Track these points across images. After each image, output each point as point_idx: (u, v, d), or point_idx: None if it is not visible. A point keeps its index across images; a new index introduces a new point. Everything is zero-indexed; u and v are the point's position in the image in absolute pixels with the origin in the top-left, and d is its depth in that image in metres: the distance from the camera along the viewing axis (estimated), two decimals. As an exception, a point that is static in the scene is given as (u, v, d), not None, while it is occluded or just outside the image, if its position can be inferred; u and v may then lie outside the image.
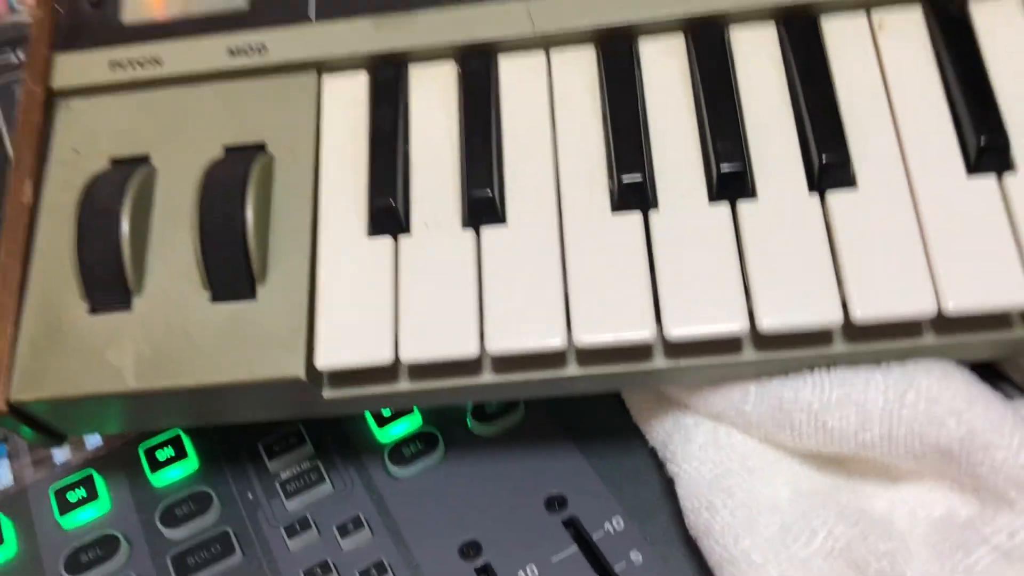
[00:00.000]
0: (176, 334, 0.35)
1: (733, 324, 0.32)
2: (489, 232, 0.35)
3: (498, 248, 0.35)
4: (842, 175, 0.34)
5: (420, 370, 0.35)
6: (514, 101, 0.37)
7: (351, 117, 0.38)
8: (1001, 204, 0.33)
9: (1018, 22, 0.36)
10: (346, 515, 0.39)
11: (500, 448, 0.41)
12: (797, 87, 0.36)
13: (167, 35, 0.39)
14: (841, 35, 0.37)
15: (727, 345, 0.34)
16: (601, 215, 0.35)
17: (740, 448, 0.35)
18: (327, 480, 0.40)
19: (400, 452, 0.40)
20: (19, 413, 0.36)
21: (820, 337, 0.34)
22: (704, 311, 0.33)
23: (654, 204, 0.35)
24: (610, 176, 0.35)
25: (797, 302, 0.32)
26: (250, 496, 0.40)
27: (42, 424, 0.37)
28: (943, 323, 0.33)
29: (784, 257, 0.33)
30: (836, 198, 0.34)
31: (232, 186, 0.35)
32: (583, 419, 0.41)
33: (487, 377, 0.35)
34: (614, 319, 0.33)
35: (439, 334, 0.34)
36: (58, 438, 0.38)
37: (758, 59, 0.37)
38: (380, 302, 0.34)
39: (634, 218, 0.34)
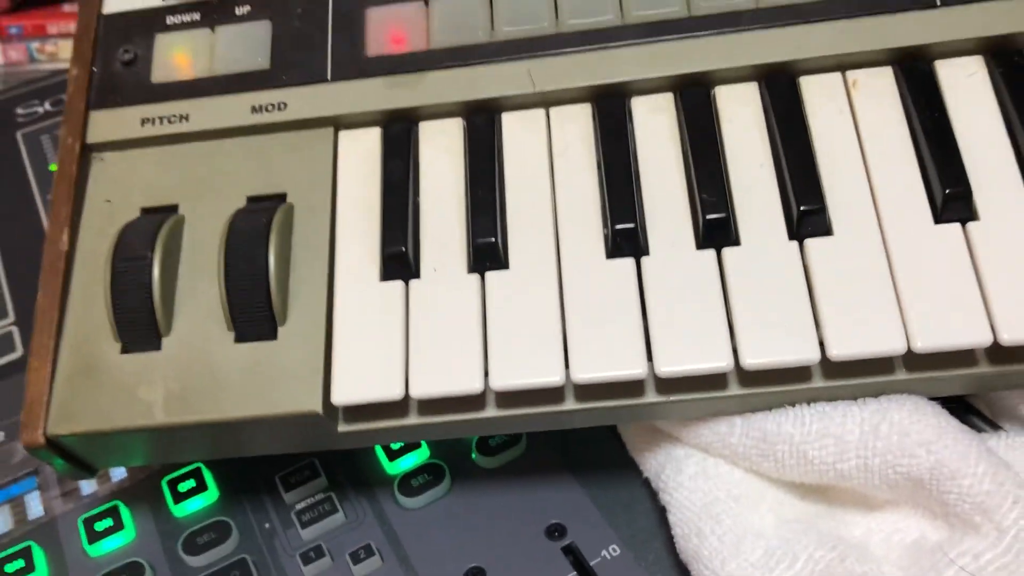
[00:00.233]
0: (202, 372, 0.37)
1: (719, 362, 0.35)
2: (493, 277, 0.38)
3: (501, 291, 0.37)
4: (819, 224, 0.37)
5: (428, 405, 0.37)
6: (516, 154, 0.40)
7: (365, 169, 0.41)
8: (965, 250, 0.36)
9: (979, 79, 0.39)
10: (358, 543, 0.41)
11: (503, 479, 0.43)
12: (777, 141, 0.38)
13: (194, 93, 0.42)
14: (818, 93, 0.39)
15: (714, 381, 0.36)
16: (596, 261, 0.37)
17: (727, 478, 0.38)
18: (340, 510, 0.42)
19: (409, 483, 0.42)
20: (55, 446, 0.38)
21: (800, 374, 0.36)
22: (692, 350, 0.35)
23: (645, 250, 0.37)
24: (605, 224, 0.38)
25: (778, 341, 0.35)
26: (267, 525, 0.42)
27: (75, 457, 0.39)
28: (913, 360, 0.36)
29: (766, 300, 0.36)
30: (814, 245, 0.36)
31: (255, 234, 0.38)
32: (581, 451, 0.43)
33: (491, 412, 0.37)
34: (609, 357, 0.35)
35: (446, 371, 0.36)
36: (89, 470, 0.40)
37: (741, 115, 0.40)
38: (392, 342, 0.37)
39: (627, 263, 0.37)
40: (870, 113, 0.39)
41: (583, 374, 0.35)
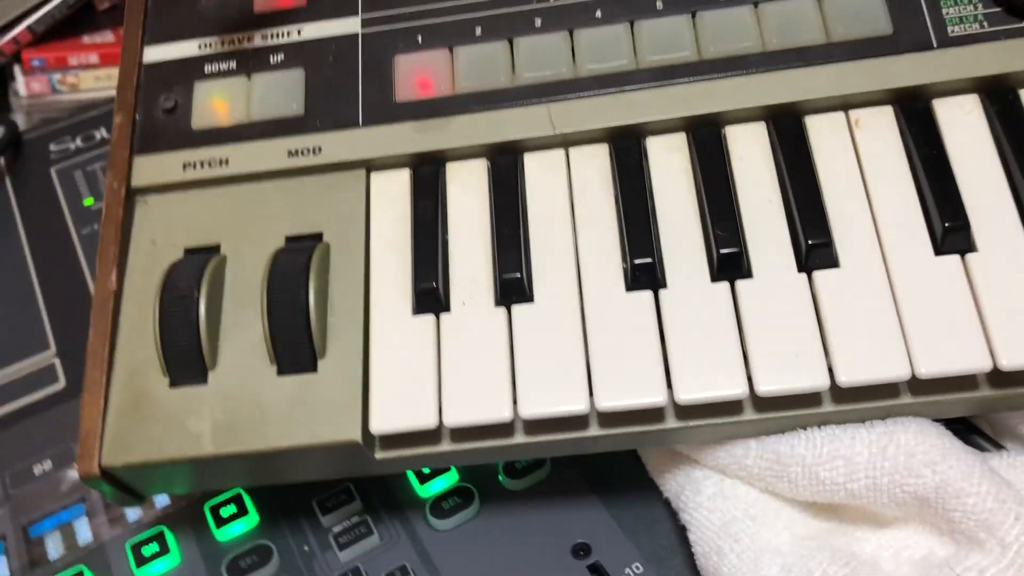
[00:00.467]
0: (248, 404, 0.40)
1: (735, 389, 0.37)
2: (519, 310, 0.40)
3: (527, 324, 0.39)
4: (826, 256, 0.39)
5: (460, 433, 0.40)
6: (538, 193, 0.42)
7: (396, 209, 0.43)
8: (965, 280, 0.38)
9: (975, 116, 0.41)
10: (393, 564, 0.43)
11: (529, 501, 0.45)
12: (785, 178, 0.41)
13: (233, 139, 0.45)
14: (823, 131, 0.42)
15: (730, 407, 0.38)
16: (617, 294, 0.40)
17: (744, 498, 0.40)
18: (375, 533, 0.44)
19: (440, 506, 0.45)
20: (108, 476, 0.40)
21: (811, 399, 0.38)
22: (709, 378, 0.37)
23: (663, 283, 0.39)
24: (624, 259, 0.40)
25: (790, 369, 0.37)
26: (306, 548, 0.45)
27: (124, 485, 0.42)
28: (918, 385, 0.38)
29: (778, 330, 0.38)
30: (821, 277, 0.38)
31: (295, 272, 0.40)
32: (604, 474, 0.45)
33: (519, 438, 0.39)
34: (630, 386, 0.38)
35: (477, 401, 0.38)
36: (138, 498, 0.43)
37: (751, 153, 0.42)
38: (425, 373, 0.39)
39: (646, 296, 0.39)
40: (872, 150, 0.41)
41: (606, 402, 0.38)
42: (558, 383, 0.38)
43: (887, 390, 0.38)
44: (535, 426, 0.39)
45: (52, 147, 0.68)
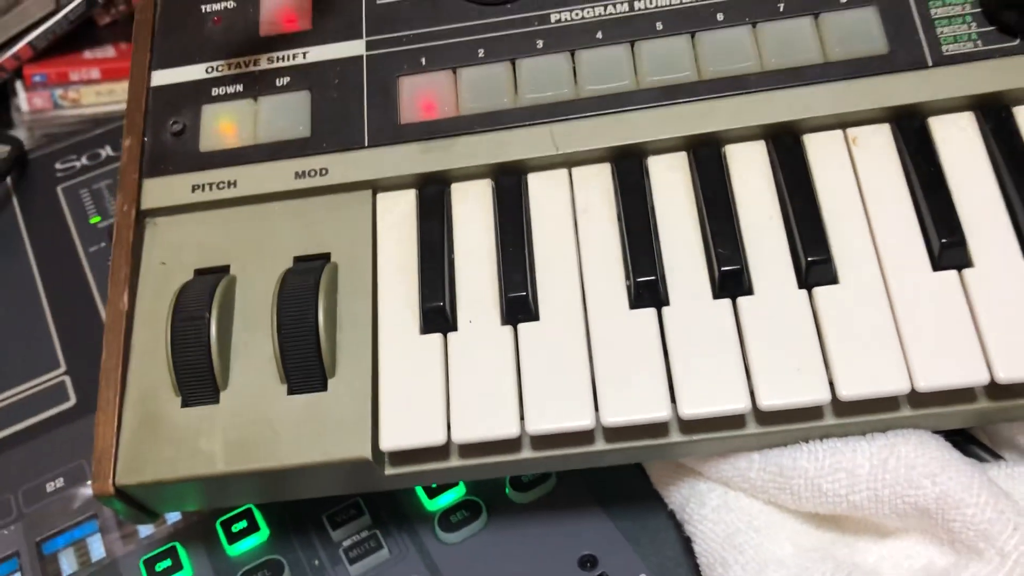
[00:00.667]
0: (259, 423, 0.40)
1: (737, 404, 0.38)
2: (525, 328, 0.40)
3: (533, 342, 0.40)
4: (826, 273, 0.39)
5: (468, 449, 0.40)
6: (542, 212, 0.43)
7: (402, 229, 0.44)
8: (962, 295, 0.38)
9: (970, 134, 0.42)
10: (402, 577, 0.44)
11: (536, 514, 0.46)
12: (785, 196, 0.41)
13: (240, 161, 0.45)
14: (821, 150, 0.42)
15: (733, 421, 0.39)
16: (621, 311, 0.40)
17: (748, 510, 0.40)
18: (384, 547, 0.45)
19: (448, 520, 0.45)
20: (122, 495, 0.41)
21: (812, 412, 0.39)
22: (712, 393, 0.38)
23: (666, 301, 0.40)
24: (627, 277, 0.41)
25: (792, 383, 0.38)
26: (316, 562, 0.45)
27: (138, 503, 0.42)
28: (917, 398, 0.39)
29: (779, 345, 0.38)
30: (821, 293, 0.39)
31: (304, 293, 0.41)
32: (609, 486, 0.46)
33: (526, 453, 0.40)
34: (635, 402, 0.38)
35: (485, 418, 0.39)
36: (151, 515, 0.43)
37: (751, 172, 0.43)
38: (433, 391, 0.40)
39: (649, 313, 0.40)
40: (870, 167, 0.42)
41: (612, 418, 0.38)
42: (564, 399, 0.39)
43: (887, 403, 0.39)
44: (542, 441, 0.40)
45: (58, 166, 0.69)
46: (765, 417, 0.39)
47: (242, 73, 0.47)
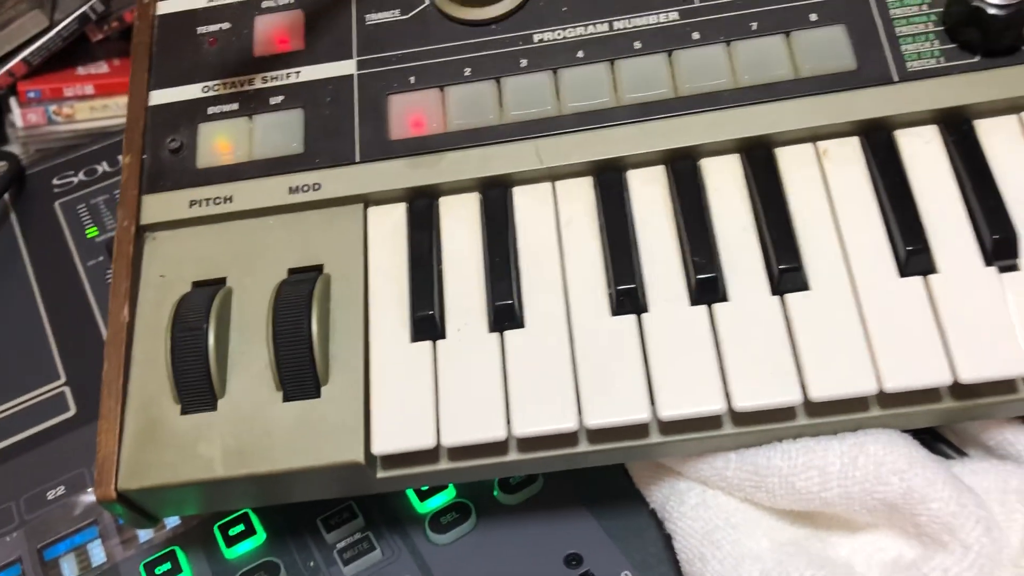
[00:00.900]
0: (255, 429, 0.42)
1: (713, 405, 0.39)
2: (511, 335, 0.42)
3: (519, 348, 0.42)
4: (797, 280, 0.41)
5: (457, 452, 0.42)
6: (527, 224, 0.45)
7: (393, 241, 0.45)
8: (927, 300, 0.40)
9: (934, 146, 0.44)
10: (395, 577, 0.45)
11: (524, 515, 0.47)
12: (758, 207, 0.43)
13: (236, 177, 0.47)
14: (792, 162, 0.44)
15: (710, 422, 0.41)
16: (602, 318, 0.42)
17: (725, 507, 0.42)
18: (377, 548, 0.47)
19: (438, 521, 0.47)
20: (124, 500, 0.43)
21: (786, 413, 0.41)
22: (690, 395, 0.40)
23: (645, 308, 0.42)
24: (608, 285, 0.43)
25: (765, 385, 0.40)
26: (312, 564, 0.47)
27: (139, 508, 0.44)
28: (885, 398, 0.40)
29: (753, 349, 0.40)
30: (793, 299, 0.41)
31: (298, 303, 0.43)
32: (593, 487, 0.47)
33: (513, 456, 0.42)
34: (616, 404, 0.40)
35: (473, 422, 0.41)
36: (152, 520, 0.45)
37: (725, 185, 0.44)
38: (423, 397, 0.41)
39: (630, 320, 0.42)
40: (839, 179, 0.44)
41: (594, 420, 0.40)
42: (549, 403, 0.40)
43: (857, 404, 0.41)
44: (528, 444, 0.42)
45: (55, 181, 0.70)
46: (740, 418, 0.41)
47: (237, 92, 0.49)
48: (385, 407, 0.42)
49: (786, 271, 0.41)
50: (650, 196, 0.45)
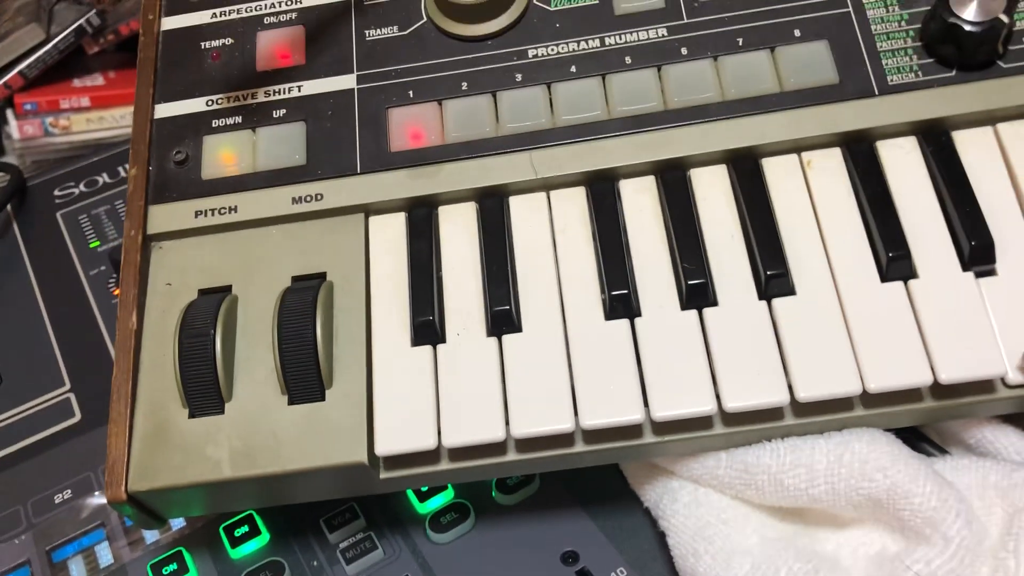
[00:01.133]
0: (262, 431, 0.43)
1: (705, 406, 0.41)
2: (509, 339, 0.44)
3: (517, 352, 0.43)
4: (783, 285, 0.43)
5: (458, 453, 0.43)
6: (523, 232, 0.46)
7: (393, 249, 0.47)
8: (908, 304, 0.42)
9: (914, 156, 0.46)
10: (396, 576, 0.47)
11: (521, 514, 0.49)
12: (745, 215, 0.45)
13: (240, 188, 0.48)
14: (778, 172, 0.46)
15: (701, 423, 0.42)
16: (596, 322, 0.44)
17: (716, 504, 0.44)
18: (379, 547, 0.48)
19: (438, 521, 0.48)
20: (133, 501, 0.44)
21: (774, 413, 0.42)
22: (681, 397, 0.41)
23: (638, 312, 0.44)
24: (602, 291, 0.44)
25: (753, 387, 0.41)
26: (315, 563, 0.48)
27: (147, 509, 0.45)
28: (869, 399, 0.42)
29: (742, 352, 0.42)
30: (780, 304, 0.43)
31: (303, 310, 0.44)
32: (589, 487, 0.49)
33: (511, 456, 0.43)
34: (611, 406, 0.41)
35: (472, 423, 0.42)
36: (160, 521, 0.46)
37: (714, 194, 0.46)
38: (424, 399, 0.43)
39: (623, 324, 0.43)
40: (823, 188, 0.45)
41: (590, 421, 0.41)
42: (546, 405, 0.42)
43: (842, 404, 0.42)
44: (526, 444, 0.43)
45: (57, 192, 0.72)
46: (730, 418, 0.42)
47: (241, 105, 0.50)
48: (388, 409, 0.43)
49: (773, 277, 0.43)
50: (641, 205, 0.46)
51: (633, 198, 0.47)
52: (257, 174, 0.49)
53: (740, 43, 0.48)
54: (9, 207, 0.70)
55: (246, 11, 0.52)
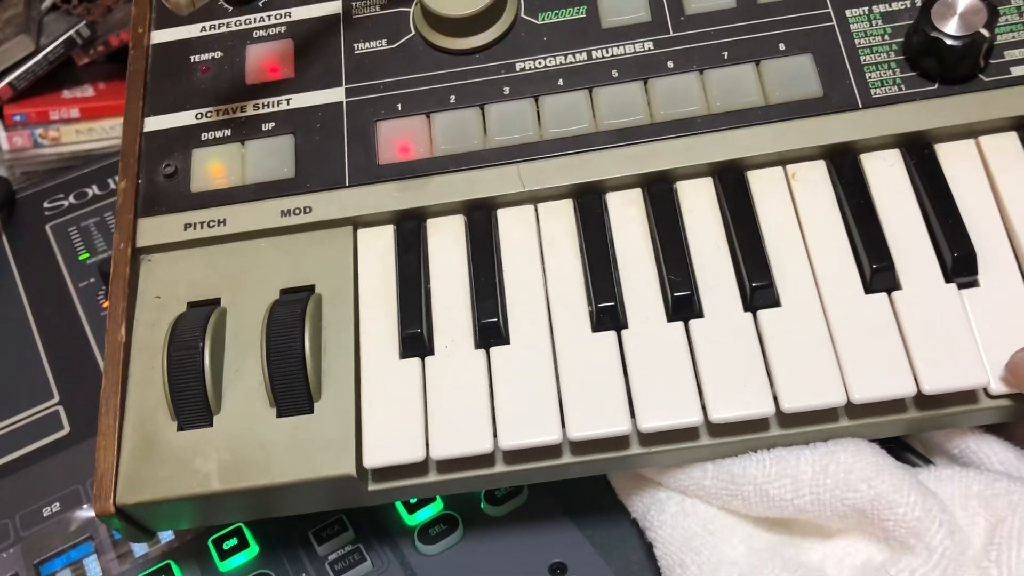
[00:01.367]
0: (250, 444, 0.43)
1: (691, 417, 0.41)
2: (496, 351, 0.44)
3: (504, 364, 0.44)
4: (768, 297, 0.43)
5: (446, 464, 0.44)
6: (511, 245, 0.47)
7: (381, 262, 0.47)
8: (891, 316, 0.42)
9: (897, 169, 0.46)
10: (385, 588, 0.47)
11: (509, 526, 0.49)
12: (731, 227, 0.45)
13: (229, 200, 0.48)
14: (763, 184, 0.46)
15: (687, 434, 0.43)
16: (583, 334, 0.44)
17: (703, 515, 0.44)
18: (367, 559, 0.48)
19: (427, 533, 0.48)
20: (121, 514, 0.44)
21: (759, 424, 0.43)
22: (668, 408, 0.42)
23: (625, 324, 0.44)
24: (589, 303, 0.45)
25: (740, 398, 0.41)
26: None
27: (136, 522, 0.45)
28: (853, 409, 0.42)
29: (727, 363, 0.42)
30: (765, 315, 0.43)
31: (291, 322, 0.44)
32: (577, 498, 0.49)
33: (499, 467, 0.43)
34: (598, 417, 0.42)
35: (461, 435, 0.42)
36: (148, 534, 0.46)
37: (699, 206, 0.46)
38: (413, 411, 0.43)
39: (609, 336, 0.44)
40: (808, 201, 0.46)
41: (577, 432, 0.42)
42: (533, 416, 0.42)
43: (827, 414, 0.43)
44: (513, 456, 0.43)
45: (46, 204, 0.72)
46: (716, 429, 0.43)
47: (230, 119, 0.51)
48: (376, 422, 0.43)
49: (758, 288, 0.43)
50: (628, 217, 0.47)
51: (620, 210, 0.47)
52: (246, 187, 0.49)
53: (726, 56, 0.48)
54: (-2, 219, 0.70)
55: (235, 25, 0.53)
